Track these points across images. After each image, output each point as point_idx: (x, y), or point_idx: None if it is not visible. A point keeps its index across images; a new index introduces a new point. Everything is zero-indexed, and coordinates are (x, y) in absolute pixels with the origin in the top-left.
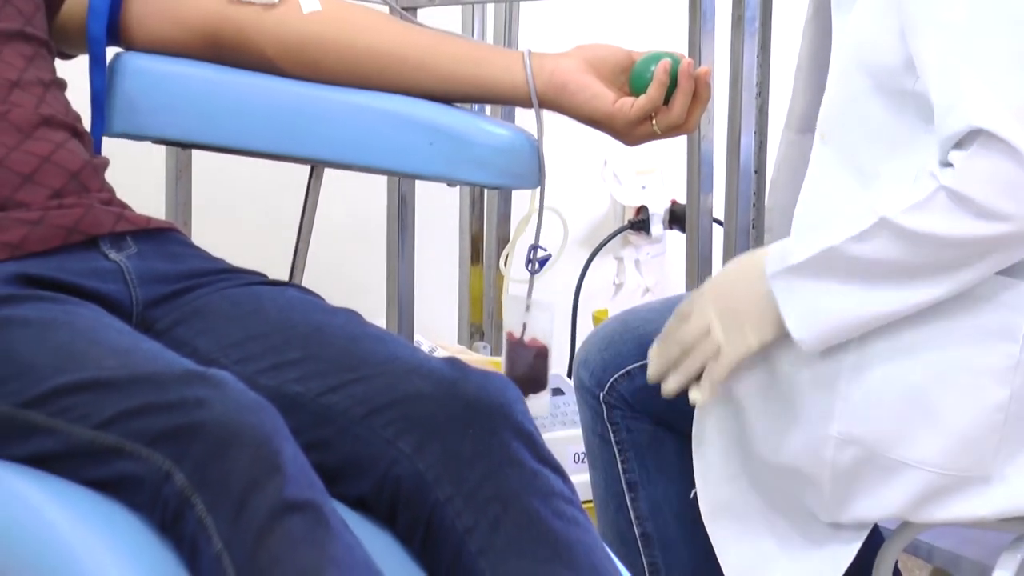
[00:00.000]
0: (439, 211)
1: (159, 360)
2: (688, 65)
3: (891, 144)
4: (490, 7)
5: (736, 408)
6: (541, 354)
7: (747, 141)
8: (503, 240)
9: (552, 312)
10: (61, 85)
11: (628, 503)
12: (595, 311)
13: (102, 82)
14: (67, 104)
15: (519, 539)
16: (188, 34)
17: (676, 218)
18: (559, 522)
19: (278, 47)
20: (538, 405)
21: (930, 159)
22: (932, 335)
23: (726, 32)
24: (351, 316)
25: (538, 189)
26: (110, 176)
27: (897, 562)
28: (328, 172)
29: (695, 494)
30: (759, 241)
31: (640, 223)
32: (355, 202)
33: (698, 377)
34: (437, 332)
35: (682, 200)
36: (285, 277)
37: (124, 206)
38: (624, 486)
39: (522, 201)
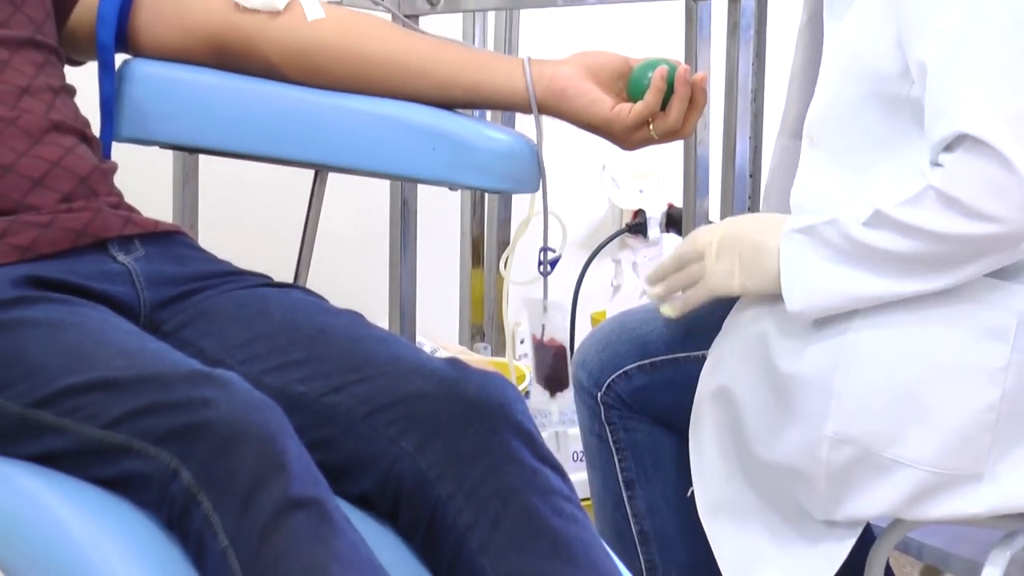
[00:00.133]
0: (441, 215)
1: (166, 360)
2: (684, 72)
3: (885, 147)
4: (491, 15)
5: (732, 408)
6: (560, 353)
7: (742, 146)
8: (503, 243)
9: (566, 312)
10: (70, 91)
11: (626, 501)
12: (593, 312)
13: (111, 88)
14: (76, 110)
15: (519, 535)
16: (195, 41)
17: (673, 221)
18: (558, 519)
19: (283, 54)
20: (564, 401)
21: (923, 161)
22: (924, 336)
23: (722, 39)
24: (354, 317)
25: (539, 193)
26: (119, 180)
27: (888, 559)
28: (332, 176)
29: (692, 492)
30: None
31: (637, 226)
32: (358, 206)
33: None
34: (439, 333)
35: (678, 204)
36: (290, 279)
37: (132, 210)
38: (622, 485)
39: (522, 205)
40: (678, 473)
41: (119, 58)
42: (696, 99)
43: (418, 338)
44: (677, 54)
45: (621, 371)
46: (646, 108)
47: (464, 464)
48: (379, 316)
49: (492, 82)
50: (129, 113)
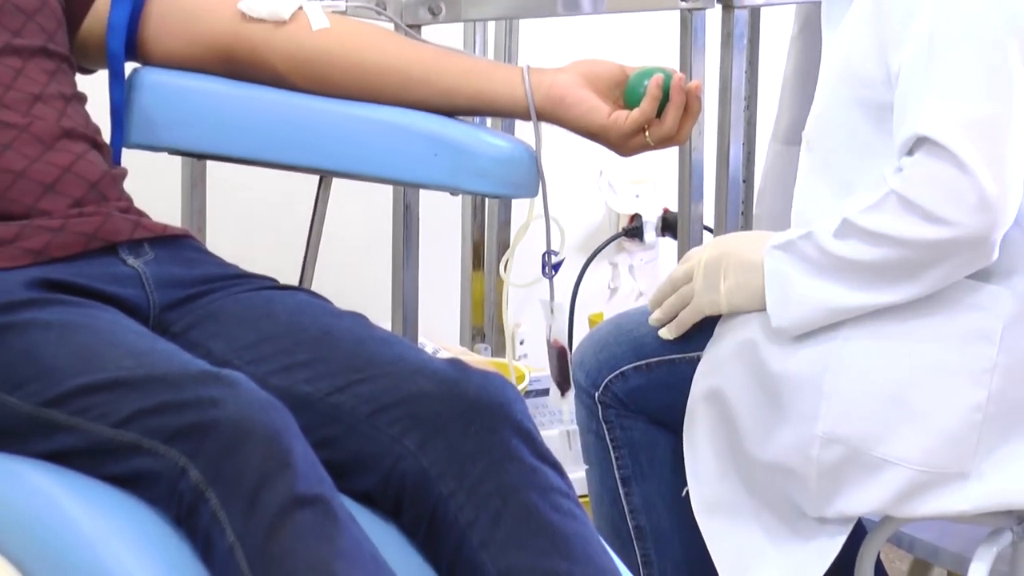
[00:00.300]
0: (442, 219)
1: (175, 361)
2: (680, 80)
3: (868, 153)
4: (491, 24)
5: (725, 409)
6: (562, 354)
7: (736, 152)
8: (503, 246)
9: (566, 314)
10: (82, 99)
11: (622, 498)
12: (591, 314)
13: (121, 96)
14: (87, 117)
15: (519, 532)
16: (203, 50)
17: (668, 225)
18: (557, 515)
19: (288, 63)
20: (568, 400)
21: (889, 166)
22: (913, 338)
23: (716, 48)
24: (358, 319)
25: (539, 198)
26: (129, 186)
27: (880, 552)
28: (336, 182)
29: (687, 492)
30: None
31: (634, 230)
32: (362, 211)
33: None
34: (440, 334)
35: (674, 208)
36: (295, 282)
37: (141, 214)
38: (618, 481)
39: (521, 209)
40: (673, 470)
41: (129, 67)
42: (691, 106)
43: (420, 339)
44: (672, 63)
45: (618, 372)
46: (642, 115)
47: (465, 462)
48: (382, 318)
49: (492, 90)
50: (138, 120)
